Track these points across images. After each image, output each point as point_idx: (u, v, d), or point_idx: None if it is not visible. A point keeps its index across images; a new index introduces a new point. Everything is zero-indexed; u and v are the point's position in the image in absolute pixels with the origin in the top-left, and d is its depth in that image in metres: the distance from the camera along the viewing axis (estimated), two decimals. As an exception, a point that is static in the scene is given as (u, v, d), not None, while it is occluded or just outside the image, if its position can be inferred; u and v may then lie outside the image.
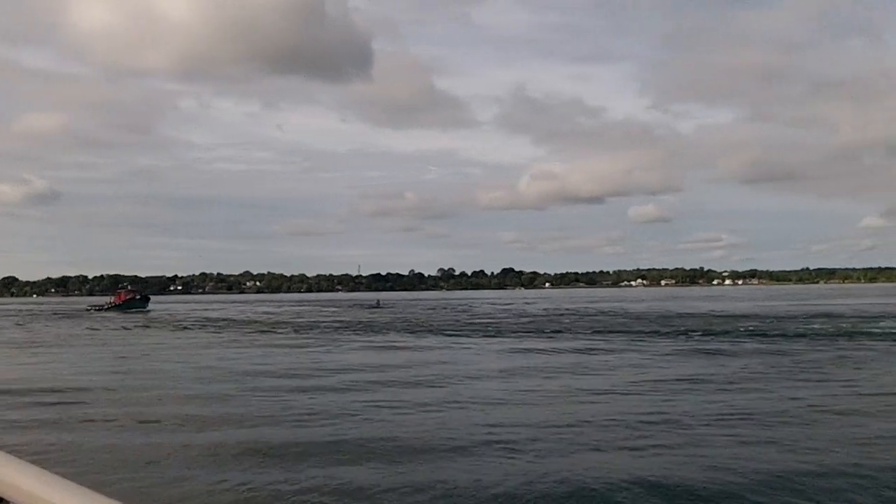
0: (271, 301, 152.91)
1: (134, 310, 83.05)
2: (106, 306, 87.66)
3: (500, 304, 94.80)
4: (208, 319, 63.67)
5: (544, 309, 74.94)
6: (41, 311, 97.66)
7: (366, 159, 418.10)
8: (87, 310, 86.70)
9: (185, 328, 50.55)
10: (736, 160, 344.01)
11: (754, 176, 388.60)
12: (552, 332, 40.65)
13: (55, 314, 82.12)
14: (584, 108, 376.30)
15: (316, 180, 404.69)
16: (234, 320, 61.36)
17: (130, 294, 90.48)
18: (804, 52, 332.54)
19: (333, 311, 79.22)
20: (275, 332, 44.13)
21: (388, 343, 35.28)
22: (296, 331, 45.96)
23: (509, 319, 55.64)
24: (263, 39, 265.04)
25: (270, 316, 70.33)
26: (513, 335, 39.04)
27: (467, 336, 39.05)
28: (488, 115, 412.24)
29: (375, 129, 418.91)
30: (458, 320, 56.28)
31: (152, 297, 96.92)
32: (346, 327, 48.66)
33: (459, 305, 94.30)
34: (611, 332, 39.51)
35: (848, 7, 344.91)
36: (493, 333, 40.56)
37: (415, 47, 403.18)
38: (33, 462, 1.48)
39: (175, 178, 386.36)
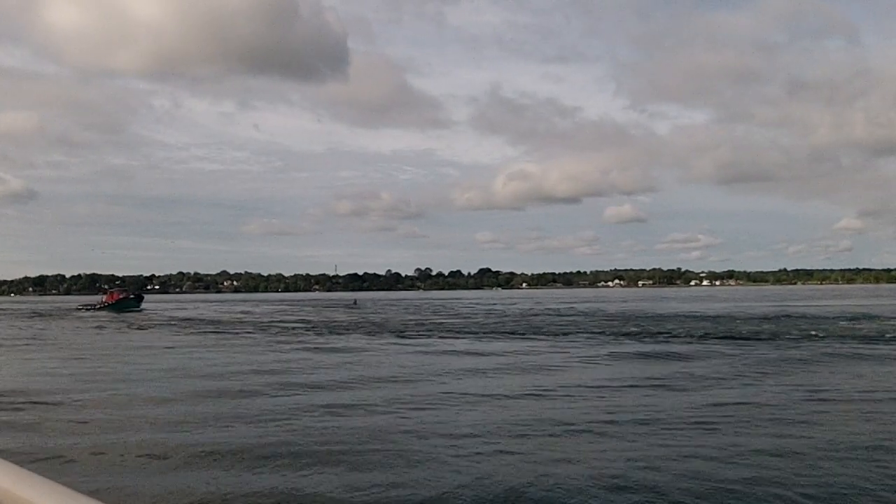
0: (254, 300, 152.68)
1: (127, 310, 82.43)
2: (98, 305, 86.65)
3: (486, 304, 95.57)
4: (201, 320, 63.96)
5: (548, 308, 75.84)
6: (25, 310, 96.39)
7: (341, 159, 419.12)
8: (78, 309, 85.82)
9: (179, 329, 50.20)
10: (712, 161, 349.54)
11: (730, 176, 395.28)
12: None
13: (40, 314, 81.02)
14: (559, 108, 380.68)
15: (291, 180, 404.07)
16: (230, 321, 61.62)
17: (124, 293, 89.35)
18: (780, 53, 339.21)
19: (329, 311, 79.97)
20: (288, 333, 44.52)
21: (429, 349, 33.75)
22: (300, 331, 46.07)
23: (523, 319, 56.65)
24: (237, 39, 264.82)
25: (262, 316, 70.75)
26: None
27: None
28: (463, 115, 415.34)
29: (350, 128, 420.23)
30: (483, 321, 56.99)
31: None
32: (356, 328, 49.42)
33: (451, 306, 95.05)
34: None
35: (824, 7, 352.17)
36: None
37: (389, 47, 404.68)
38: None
39: (149, 178, 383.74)
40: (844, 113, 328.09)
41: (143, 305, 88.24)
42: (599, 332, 39.65)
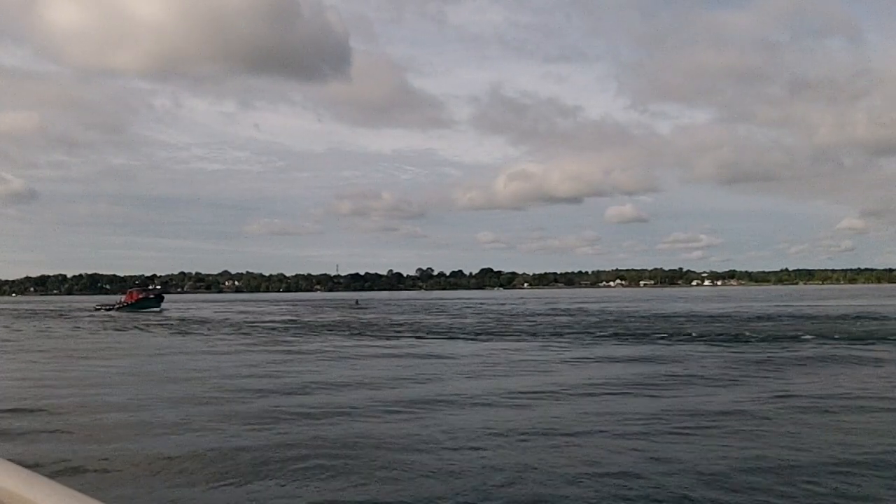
0: (260, 300, 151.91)
1: (147, 309, 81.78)
2: (116, 306, 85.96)
3: (497, 305, 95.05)
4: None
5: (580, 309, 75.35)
6: (36, 310, 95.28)
7: (342, 159, 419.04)
8: (97, 309, 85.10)
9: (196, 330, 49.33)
10: (714, 160, 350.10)
11: (732, 176, 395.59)
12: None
13: (55, 314, 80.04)
14: (560, 107, 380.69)
15: (292, 180, 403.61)
16: (251, 323, 60.86)
17: (143, 293, 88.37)
18: (782, 52, 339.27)
19: (345, 312, 79.61)
20: (317, 334, 44.24)
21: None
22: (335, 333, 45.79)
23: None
24: (238, 39, 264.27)
25: (276, 316, 70.25)
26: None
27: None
28: (465, 115, 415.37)
29: (351, 128, 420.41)
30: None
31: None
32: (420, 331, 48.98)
33: (461, 306, 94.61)
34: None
35: (826, 6, 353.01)
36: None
37: (390, 46, 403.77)
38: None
39: (150, 178, 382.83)
40: (846, 112, 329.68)
41: (163, 305, 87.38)
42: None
